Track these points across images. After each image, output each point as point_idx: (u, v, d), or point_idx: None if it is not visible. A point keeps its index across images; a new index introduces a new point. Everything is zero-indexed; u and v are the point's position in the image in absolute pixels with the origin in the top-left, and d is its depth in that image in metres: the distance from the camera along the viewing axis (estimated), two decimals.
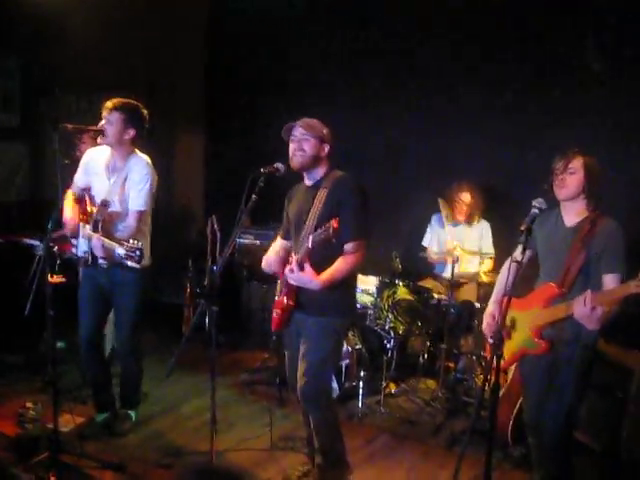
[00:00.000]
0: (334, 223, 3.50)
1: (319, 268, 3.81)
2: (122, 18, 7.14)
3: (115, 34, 7.15)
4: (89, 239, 4.37)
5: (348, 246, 3.84)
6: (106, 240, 4.21)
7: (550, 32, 6.08)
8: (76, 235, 4.55)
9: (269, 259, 4.23)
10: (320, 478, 4.16)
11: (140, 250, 3.99)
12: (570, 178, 3.57)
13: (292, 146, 3.93)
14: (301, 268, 3.78)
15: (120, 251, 4.04)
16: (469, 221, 6.29)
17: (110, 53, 7.16)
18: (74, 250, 4.59)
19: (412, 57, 6.93)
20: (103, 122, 4.47)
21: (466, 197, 6.20)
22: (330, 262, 3.84)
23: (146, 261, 4.60)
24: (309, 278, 3.78)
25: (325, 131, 3.97)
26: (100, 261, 4.46)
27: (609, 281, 3.45)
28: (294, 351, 4.10)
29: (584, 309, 3.28)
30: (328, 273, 3.81)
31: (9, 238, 6.00)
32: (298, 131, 3.90)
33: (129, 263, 4.05)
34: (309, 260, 3.77)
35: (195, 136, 8.65)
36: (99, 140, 4.52)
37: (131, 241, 4.03)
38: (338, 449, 4.19)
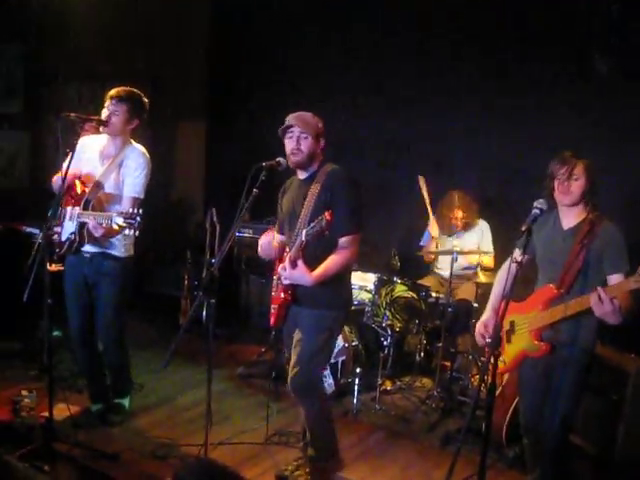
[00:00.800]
0: (327, 215, 3.49)
1: (314, 263, 3.80)
2: (126, 7, 7.13)
3: (118, 23, 7.15)
4: (79, 220, 4.32)
5: (342, 240, 3.83)
6: (101, 213, 4.16)
7: (559, 33, 6.08)
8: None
9: (263, 244, 4.20)
10: (311, 470, 4.17)
11: (139, 216, 3.90)
12: (574, 184, 3.56)
13: (290, 144, 3.90)
14: (293, 265, 3.77)
15: (118, 220, 3.94)
16: (466, 228, 6.28)
17: (113, 42, 7.16)
18: (56, 236, 4.43)
19: (417, 54, 6.92)
20: (107, 112, 4.45)
21: (457, 213, 6.18)
22: (325, 256, 3.83)
23: (130, 252, 4.63)
24: (301, 274, 3.77)
25: (320, 125, 3.94)
26: (84, 248, 4.46)
27: (615, 281, 3.44)
28: (291, 344, 4.10)
29: (605, 306, 3.24)
30: (321, 269, 3.80)
31: (9, 225, 6.00)
32: (296, 129, 3.86)
33: (127, 231, 4.00)
34: (302, 256, 3.76)
35: (196, 128, 8.63)
36: (102, 130, 4.50)
37: (128, 210, 3.97)
38: (330, 441, 4.20)
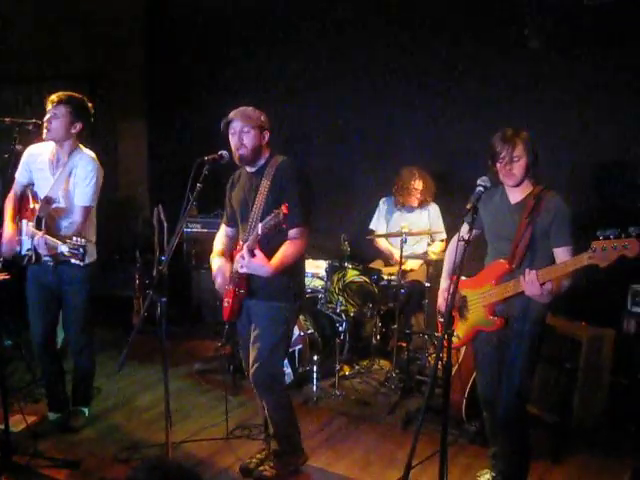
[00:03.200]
0: (284, 209, 3.52)
1: (268, 255, 3.80)
2: (60, 9, 6.99)
3: (53, 25, 7.01)
4: (32, 237, 4.27)
5: (292, 232, 3.84)
6: (49, 238, 4.10)
7: (491, 11, 6.13)
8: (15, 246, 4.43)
9: (218, 279, 4.12)
10: (276, 463, 4.17)
11: (83, 247, 3.86)
12: (516, 166, 3.58)
13: (233, 140, 3.89)
14: (252, 254, 3.76)
15: (63, 249, 3.91)
16: (421, 206, 6.32)
17: (49, 45, 7.01)
18: (17, 248, 4.42)
19: (360, 39, 6.93)
20: (49, 116, 4.35)
21: (419, 184, 6.21)
22: (277, 250, 3.84)
23: (93, 257, 4.55)
24: (260, 264, 3.76)
25: (263, 118, 3.94)
26: (45, 258, 4.36)
27: (561, 254, 3.49)
28: (247, 338, 4.09)
29: (533, 287, 3.34)
30: (277, 259, 3.80)
31: None
32: (237, 124, 3.86)
33: (72, 261, 3.94)
34: (259, 247, 3.76)
35: (137, 126, 8.52)
36: (44, 136, 4.40)
37: (74, 238, 3.89)
38: (293, 434, 4.22)
